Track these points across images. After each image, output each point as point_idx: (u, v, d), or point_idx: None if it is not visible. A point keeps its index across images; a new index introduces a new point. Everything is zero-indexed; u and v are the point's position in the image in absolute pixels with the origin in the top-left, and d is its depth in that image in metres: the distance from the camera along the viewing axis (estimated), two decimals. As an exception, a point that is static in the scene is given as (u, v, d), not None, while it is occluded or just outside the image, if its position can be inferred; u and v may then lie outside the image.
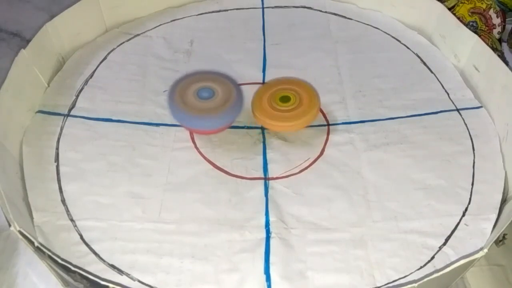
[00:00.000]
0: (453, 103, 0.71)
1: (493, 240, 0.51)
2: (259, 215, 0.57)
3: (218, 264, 0.53)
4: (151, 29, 0.84)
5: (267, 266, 0.52)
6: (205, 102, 0.62)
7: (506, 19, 0.89)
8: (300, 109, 0.63)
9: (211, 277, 0.52)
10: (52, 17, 0.74)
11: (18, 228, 0.47)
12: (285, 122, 0.63)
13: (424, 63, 0.78)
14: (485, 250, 0.48)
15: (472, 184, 0.61)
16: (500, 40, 0.88)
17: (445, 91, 0.73)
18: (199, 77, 0.65)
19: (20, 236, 0.48)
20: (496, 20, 0.88)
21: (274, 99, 0.64)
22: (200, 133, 0.66)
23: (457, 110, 0.70)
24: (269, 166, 0.63)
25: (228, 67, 0.77)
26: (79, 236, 0.54)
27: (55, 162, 0.62)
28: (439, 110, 0.70)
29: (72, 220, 0.56)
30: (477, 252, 0.49)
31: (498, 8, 0.88)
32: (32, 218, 0.55)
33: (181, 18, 0.86)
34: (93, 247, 0.54)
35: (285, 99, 0.64)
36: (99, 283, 0.47)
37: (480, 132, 0.67)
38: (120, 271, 0.52)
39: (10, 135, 0.61)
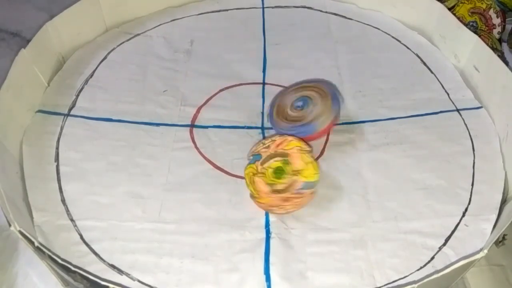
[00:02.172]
0: (453, 103, 0.71)
1: (493, 241, 0.51)
2: (259, 215, 0.57)
3: (218, 264, 0.53)
4: (151, 29, 0.83)
5: (267, 266, 0.52)
6: (300, 111, 0.63)
7: (506, 19, 0.89)
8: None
9: (211, 277, 0.52)
10: (52, 17, 0.73)
11: (18, 228, 0.47)
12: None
13: (424, 63, 0.78)
14: (485, 251, 0.48)
15: (472, 184, 0.61)
16: (500, 40, 0.88)
17: (445, 91, 0.73)
18: (293, 90, 0.66)
19: (20, 236, 0.48)
20: (496, 20, 0.88)
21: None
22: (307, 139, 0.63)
23: (457, 110, 0.70)
24: (269, 166, 0.62)
25: (228, 67, 0.77)
26: (79, 236, 0.54)
27: (55, 162, 0.62)
28: (439, 110, 0.70)
29: (72, 220, 0.56)
30: (477, 252, 0.49)
31: (498, 8, 0.88)
32: (32, 218, 0.55)
33: (181, 18, 0.86)
34: (93, 247, 0.54)
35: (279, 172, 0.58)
36: (99, 283, 0.47)
37: (480, 132, 0.67)
38: (120, 271, 0.52)
39: (10, 135, 0.61)
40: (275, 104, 0.66)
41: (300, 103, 0.64)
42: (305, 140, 0.60)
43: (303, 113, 0.63)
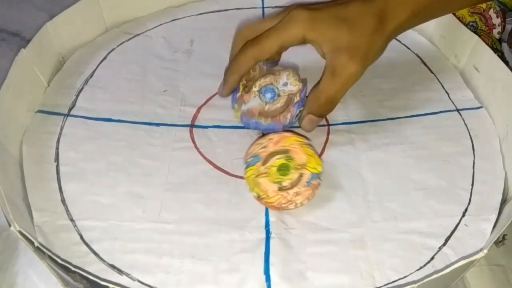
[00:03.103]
0: (453, 103, 0.71)
1: (493, 241, 0.51)
2: (259, 215, 0.57)
3: (218, 264, 0.53)
4: (151, 29, 0.83)
5: (267, 266, 0.52)
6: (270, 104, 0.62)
7: (506, 19, 0.89)
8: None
9: (211, 277, 0.52)
10: (52, 17, 0.73)
11: (18, 228, 0.47)
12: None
13: (424, 63, 0.78)
14: (485, 251, 0.48)
15: (472, 184, 0.61)
16: (500, 40, 0.88)
17: (445, 91, 0.73)
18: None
19: (20, 236, 0.48)
20: (496, 20, 0.88)
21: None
22: None
23: (457, 110, 0.70)
24: (269, 166, 0.62)
25: (228, 67, 0.77)
26: (79, 236, 0.54)
27: (55, 162, 0.62)
28: (439, 110, 0.70)
29: (72, 220, 0.56)
30: (477, 252, 0.49)
31: (498, 8, 0.88)
32: (32, 218, 0.55)
33: (181, 18, 0.86)
34: (93, 247, 0.53)
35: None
36: (99, 283, 0.47)
37: (480, 132, 0.67)
38: (120, 271, 0.52)
39: (10, 135, 0.61)
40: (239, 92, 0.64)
41: (269, 95, 0.63)
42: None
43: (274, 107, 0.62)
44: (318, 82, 0.61)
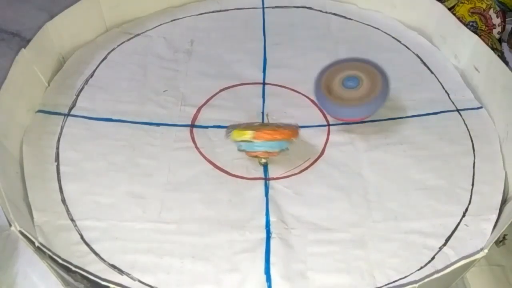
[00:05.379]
0: (453, 103, 0.71)
1: (493, 241, 0.51)
2: (260, 215, 0.57)
3: (218, 264, 0.53)
4: (151, 29, 0.83)
5: (268, 266, 0.52)
6: (351, 91, 0.64)
7: (506, 19, 0.89)
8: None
9: (211, 277, 0.52)
10: (52, 17, 0.73)
11: (18, 228, 0.47)
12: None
13: (425, 64, 0.78)
14: (485, 251, 0.48)
15: (472, 184, 0.61)
16: (500, 40, 0.88)
17: (445, 91, 0.73)
18: (346, 65, 0.67)
19: (21, 236, 0.48)
20: (496, 20, 0.88)
21: None
22: (346, 120, 0.67)
23: (458, 110, 0.70)
24: (269, 166, 0.62)
25: (228, 67, 0.77)
26: (79, 236, 0.54)
27: (55, 161, 0.62)
28: (439, 110, 0.70)
29: (72, 220, 0.56)
30: (477, 252, 0.49)
31: (498, 8, 0.88)
32: (32, 218, 0.55)
33: (181, 18, 0.86)
34: (93, 247, 0.53)
35: None
36: (99, 283, 0.47)
37: (480, 132, 0.67)
38: (121, 271, 0.52)
39: (10, 135, 0.61)
40: (322, 78, 0.67)
41: (350, 83, 0.65)
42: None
43: (353, 94, 0.64)
44: None
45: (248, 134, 0.59)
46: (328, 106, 0.66)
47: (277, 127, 0.61)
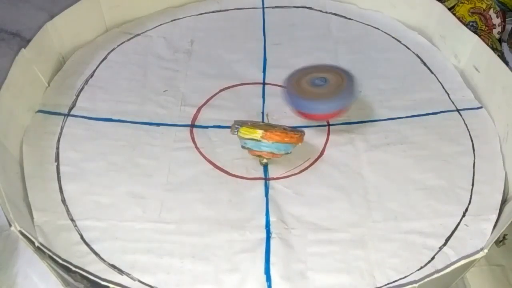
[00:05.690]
0: (453, 103, 0.71)
1: (493, 241, 0.51)
2: (260, 215, 0.57)
3: (218, 264, 0.53)
4: (151, 29, 0.83)
5: (268, 266, 0.52)
6: (319, 88, 0.64)
7: (506, 19, 0.89)
8: None
9: (211, 277, 0.52)
10: (52, 17, 0.74)
11: (18, 228, 0.47)
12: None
13: (425, 64, 0.78)
14: (485, 251, 0.48)
15: (472, 184, 0.61)
16: (500, 40, 0.88)
17: (445, 91, 0.73)
18: (314, 69, 0.68)
19: (21, 236, 0.48)
20: (496, 20, 0.88)
21: None
22: (315, 118, 0.67)
23: (457, 110, 0.70)
24: (270, 166, 0.62)
25: (228, 67, 0.77)
26: (79, 236, 0.54)
27: (55, 161, 0.62)
28: (439, 110, 0.70)
29: (72, 220, 0.56)
30: (477, 252, 0.49)
31: (498, 8, 0.88)
32: (32, 218, 0.55)
33: (181, 18, 0.86)
34: (93, 247, 0.53)
35: None
36: (99, 283, 0.47)
37: (480, 132, 0.67)
38: (121, 271, 0.52)
39: (10, 135, 0.61)
40: (292, 79, 0.67)
41: (318, 82, 0.65)
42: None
43: (321, 91, 0.64)
44: None
45: (257, 133, 0.59)
46: (298, 101, 0.65)
47: (285, 129, 0.61)
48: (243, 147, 0.61)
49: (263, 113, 0.70)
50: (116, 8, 0.82)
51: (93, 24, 0.81)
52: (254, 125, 0.61)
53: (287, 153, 0.61)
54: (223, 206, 0.58)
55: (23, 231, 0.48)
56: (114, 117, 0.68)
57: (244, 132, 0.60)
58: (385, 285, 0.51)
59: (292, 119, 0.68)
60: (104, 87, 0.72)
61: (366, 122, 0.69)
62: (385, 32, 0.84)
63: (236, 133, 0.60)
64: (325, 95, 0.64)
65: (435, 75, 0.76)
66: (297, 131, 0.62)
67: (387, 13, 0.87)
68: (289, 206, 0.58)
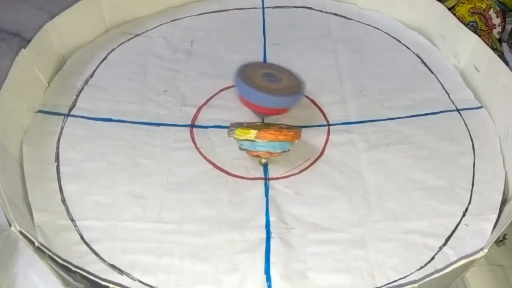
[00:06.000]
0: (453, 103, 0.71)
1: (493, 240, 0.51)
2: (260, 215, 0.57)
3: (218, 264, 0.53)
4: (152, 29, 0.84)
5: (268, 266, 0.52)
6: (274, 83, 0.66)
7: (506, 19, 0.89)
8: None
9: (211, 277, 0.52)
10: (52, 17, 0.74)
11: (18, 228, 0.47)
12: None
13: (425, 64, 0.78)
14: (485, 250, 0.48)
15: (472, 184, 0.61)
16: (500, 40, 0.88)
17: (445, 91, 0.73)
18: (263, 65, 0.70)
19: (21, 236, 0.48)
20: (496, 20, 0.88)
21: None
22: (264, 112, 0.68)
23: (457, 110, 0.70)
24: (269, 166, 0.62)
25: (228, 67, 0.77)
26: (79, 236, 0.54)
27: (55, 162, 0.62)
28: (439, 110, 0.70)
29: (72, 220, 0.56)
30: (477, 252, 0.49)
31: (498, 8, 0.88)
32: (32, 218, 0.55)
33: (181, 18, 0.86)
34: (93, 247, 0.53)
35: None
36: (99, 283, 0.47)
37: (480, 132, 0.67)
38: (121, 271, 0.52)
39: (10, 135, 0.61)
40: (242, 73, 0.67)
41: (270, 78, 0.67)
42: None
43: (278, 85, 0.66)
44: None
45: (251, 133, 0.59)
46: (257, 95, 0.65)
47: (280, 128, 0.61)
48: (240, 148, 0.61)
49: (263, 113, 0.70)
50: (116, 8, 0.82)
51: (93, 24, 0.81)
52: (249, 126, 0.61)
53: (285, 151, 0.61)
54: (223, 206, 0.58)
55: (23, 231, 0.48)
56: (114, 117, 0.68)
57: (239, 133, 0.60)
58: (385, 285, 0.51)
59: (291, 119, 0.68)
60: (104, 87, 0.72)
61: (366, 122, 0.69)
62: (385, 32, 0.84)
63: (232, 135, 0.61)
64: (279, 90, 0.65)
65: (435, 75, 0.76)
66: (292, 128, 0.62)
67: (387, 13, 0.87)
68: (289, 206, 0.58)
